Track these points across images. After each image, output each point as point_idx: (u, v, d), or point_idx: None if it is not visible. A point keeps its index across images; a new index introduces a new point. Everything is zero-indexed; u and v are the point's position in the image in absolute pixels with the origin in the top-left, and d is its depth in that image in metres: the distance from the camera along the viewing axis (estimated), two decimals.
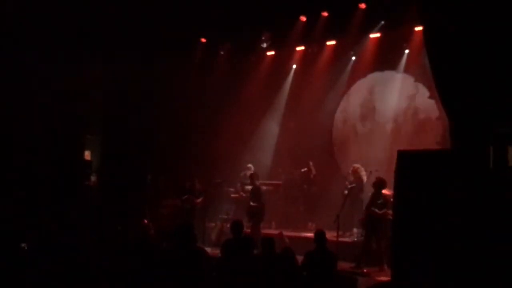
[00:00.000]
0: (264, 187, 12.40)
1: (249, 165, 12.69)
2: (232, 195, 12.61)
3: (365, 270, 8.79)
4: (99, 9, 10.77)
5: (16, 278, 5.60)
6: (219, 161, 12.96)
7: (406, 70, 11.98)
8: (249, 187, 12.15)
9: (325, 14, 11.86)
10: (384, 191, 10.14)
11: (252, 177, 11.08)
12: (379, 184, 9.34)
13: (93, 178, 12.18)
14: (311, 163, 12.24)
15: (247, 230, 10.67)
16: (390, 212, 9.22)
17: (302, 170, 12.27)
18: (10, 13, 10.05)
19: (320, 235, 6.96)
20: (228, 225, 10.74)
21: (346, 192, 10.21)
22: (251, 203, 10.59)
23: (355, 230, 10.32)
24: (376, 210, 9.11)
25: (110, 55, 11.35)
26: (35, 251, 6.67)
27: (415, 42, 11.17)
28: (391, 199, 9.17)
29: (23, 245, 6.82)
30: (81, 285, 5.62)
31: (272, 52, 13.61)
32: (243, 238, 7.29)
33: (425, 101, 11.68)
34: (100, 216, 10.16)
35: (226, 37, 13.24)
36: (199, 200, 11.42)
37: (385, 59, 12.17)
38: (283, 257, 6.44)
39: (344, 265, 8.74)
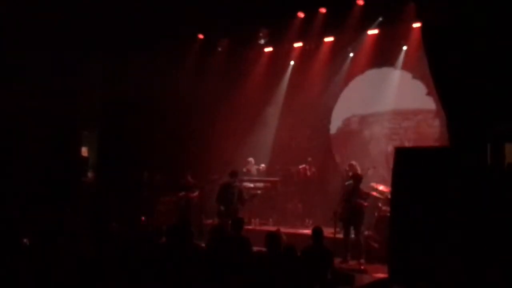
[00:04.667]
0: (261, 184, 12.44)
1: (250, 159, 12.63)
2: None
3: (362, 267, 8.80)
4: (97, 6, 10.74)
5: (17, 273, 5.58)
6: (216, 158, 12.94)
7: (404, 67, 11.97)
8: (248, 184, 12.11)
9: (323, 10, 11.83)
10: (381, 188, 10.17)
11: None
12: (359, 178, 9.46)
13: (90, 174, 12.17)
14: (309, 159, 12.24)
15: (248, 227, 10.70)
16: (387, 208, 9.27)
17: (300, 167, 12.26)
18: (10, 13, 10.02)
19: (317, 232, 6.95)
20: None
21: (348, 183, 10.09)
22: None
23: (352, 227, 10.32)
24: (361, 201, 9.19)
25: (107, 52, 11.32)
26: (33, 247, 6.66)
27: (413, 38, 11.16)
28: (388, 196, 9.24)
29: (25, 240, 6.80)
30: (77, 282, 5.60)
31: (270, 49, 13.59)
32: (241, 235, 7.28)
33: (423, 97, 11.67)
34: (96, 213, 10.14)
35: (224, 33, 13.21)
36: (194, 194, 11.43)
37: (383, 55, 12.15)
38: (288, 255, 6.41)
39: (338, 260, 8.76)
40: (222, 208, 10.24)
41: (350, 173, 9.99)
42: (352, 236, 9.27)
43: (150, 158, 12.54)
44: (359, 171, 10.21)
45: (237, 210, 10.23)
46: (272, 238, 6.54)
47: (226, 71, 13.57)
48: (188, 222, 9.39)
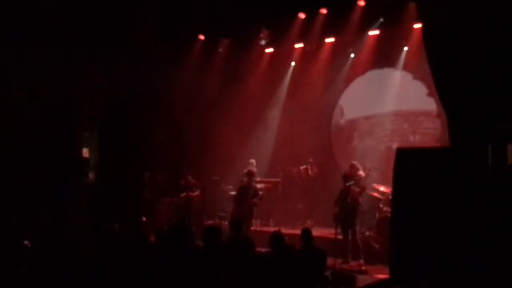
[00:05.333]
0: (262, 185, 12.42)
1: (252, 160, 12.64)
2: (231, 193, 12.58)
3: (363, 268, 8.79)
4: (97, 6, 10.75)
5: (18, 275, 5.59)
6: (217, 159, 12.95)
7: (405, 68, 11.95)
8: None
9: (324, 11, 11.83)
10: (382, 189, 10.17)
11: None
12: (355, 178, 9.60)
13: (91, 175, 12.17)
14: (311, 160, 12.23)
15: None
16: (388, 209, 9.27)
17: (301, 167, 12.26)
18: (11, 12, 10.04)
19: (306, 232, 6.96)
20: (226, 223, 10.81)
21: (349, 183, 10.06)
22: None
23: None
24: (356, 196, 9.28)
25: (108, 53, 11.31)
26: (34, 249, 6.66)
27: (414, 39, 11.15)
28: (389, 197, 9.23)
29: (26, 242, 6.81)
30: (78, 283, 5.60)
31: (271, 49, 13.58)
32: (242, 236, 7.27)
33: (423, 98, 11.67)
34: (97, 213, 10.14)
35: (225, 34, 13.21)
36: (194, 194, 11.45)
37: (384, 56, 12.14)
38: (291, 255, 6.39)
39: (339, 261, 8.76)
40: (235, 208, 10.29)
41: (343, 172, 10.06)
42: (349, 237, 9.28)
43: (151, 159, 12.54)
44: (361, 171, 10.21)
45: (250, 210, 10.24)
46: (277, 238, 6.54)
47: (227, 71, 13.56)
48: (187, 222, 9.41)
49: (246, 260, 6.13)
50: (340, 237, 9.16)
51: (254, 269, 5.90)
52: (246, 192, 10.36)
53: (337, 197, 9.53)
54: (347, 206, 9.24)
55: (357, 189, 9.50)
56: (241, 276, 5.72)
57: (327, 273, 7.25)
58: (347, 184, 9.56)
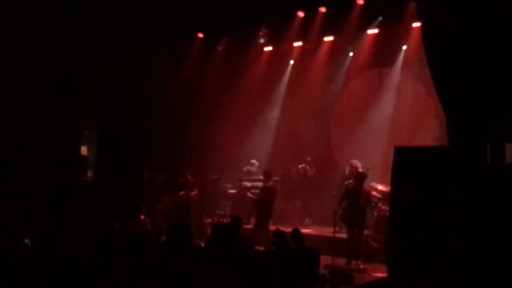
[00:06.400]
0: (261, 183, 12.43)
1: (253, 160, 12.63)
2: (230, 191, 12.61)
3: (361, 266, 8.81)
4: (97, 5, 10.76)
5: (19, 273, 5.60)
6: (217, 157, 12.95)
7: (404, 67, 11.97)
8: (247, 184, 12.14)
9: (323, 10, 11.84)
10: (381, 187, 10.18)
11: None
12: (362, 177, 9.50)
13: (89, 173, 12.17)
14: (309, 159, 12.24)
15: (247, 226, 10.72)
16: (386, 208, 9.28)
17: (300, 166, 12.27)
18: (11, 12, 10.04)
19: (296, 233, 6.96)
20: (225, 221, 10.83)
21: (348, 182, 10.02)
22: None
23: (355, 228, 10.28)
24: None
25: (108, 51, 11.31)
26: (34, 247, 6.67)
27: (413, 38, 11.17)
28: (388, 196, 9.24)
29: (26, 240, 6.82)
30: (77, 281, 5.61)
31: (270, 48, 13.59)
32: (240, 235, 7.29)
33: (422, 97, 11.67)
34: (96, 212, 10.14)
35: (224, 33, 13.22)
36: (193, 192, 11.47)
37: (383, 55, 12.15)
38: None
39: (341, 261, 8.76)
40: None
41: (346, 172, 9.99)
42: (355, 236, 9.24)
43: (151, 158, 12.55)
44: (360, 170, 10.21)
45: (262, 208, 10.26)
46: (280, 236, 6.55)
47: (226, 70, 13.58)
48: (186, 220, 9.40)
49: (243, 259, 6.15)
50: (342, 235, 9.14)
51: (250, 268, 5.92)
52: (264, 192, 10.44)
53: (342, 195, 9.47)
54: (359, 206, 9.13)
55: (368, 189, 9.47)
56: (239, 275, 5.74)
57: (325, 271, 7.28)
58: (346, 183, 9.55)
